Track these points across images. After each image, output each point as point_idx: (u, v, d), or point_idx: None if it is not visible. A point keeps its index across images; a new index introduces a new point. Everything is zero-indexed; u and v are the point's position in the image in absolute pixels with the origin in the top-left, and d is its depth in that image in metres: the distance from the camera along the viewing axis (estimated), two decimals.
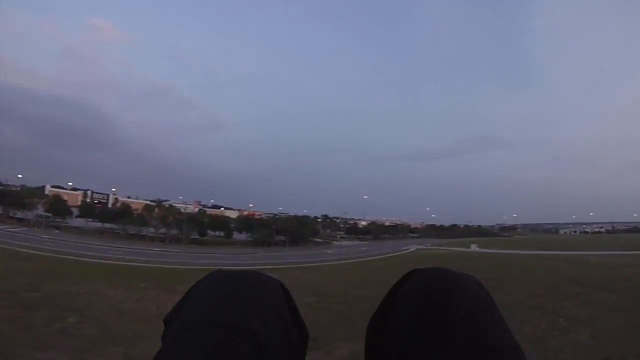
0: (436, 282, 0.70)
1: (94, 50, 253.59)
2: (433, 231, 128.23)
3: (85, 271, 26.43)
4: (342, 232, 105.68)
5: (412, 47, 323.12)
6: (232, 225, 73.35)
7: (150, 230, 63.32)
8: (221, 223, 69.68)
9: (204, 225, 65.18)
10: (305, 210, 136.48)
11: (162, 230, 61.82)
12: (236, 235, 71.65)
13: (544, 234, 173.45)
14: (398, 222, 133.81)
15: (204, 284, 0.69)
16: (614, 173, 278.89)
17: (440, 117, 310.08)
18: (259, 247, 61.21)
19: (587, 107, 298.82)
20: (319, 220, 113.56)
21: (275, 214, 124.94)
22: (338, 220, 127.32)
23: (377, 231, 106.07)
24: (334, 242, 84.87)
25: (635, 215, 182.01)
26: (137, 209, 71.89)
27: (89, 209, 73.53)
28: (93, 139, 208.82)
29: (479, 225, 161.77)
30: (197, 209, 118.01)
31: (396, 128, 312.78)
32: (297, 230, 69.95)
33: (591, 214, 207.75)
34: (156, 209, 63.25)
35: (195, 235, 63.22)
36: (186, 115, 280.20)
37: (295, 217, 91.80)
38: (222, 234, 71.08)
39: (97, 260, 32.83)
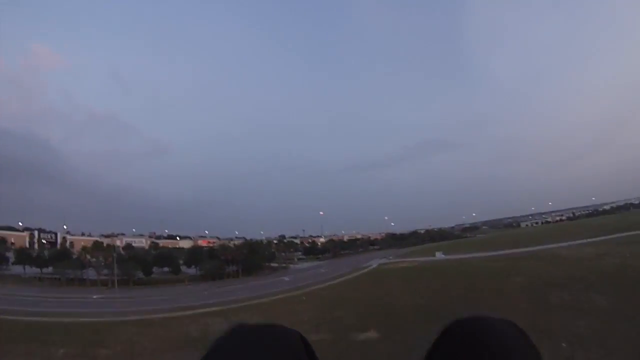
0: (474, 332, 0.73)
1: (34, 78, 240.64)
2: (394, 241, 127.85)
3: (4, 336, 24.30)
4: (299, 253, 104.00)
5: (353, 58, 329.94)
6: (180, 259, 70.01)
7: (91, 273, 59.16)
8: (168, 258, 66.35)
9: (149, 263, 61.97)
10: (262, 232, 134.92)
11: (105, 271, 58.28)
12: (187, 269, 68.24)
13: (505, 229, 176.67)
14: (357, 236, 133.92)
15: (225, 339, 0.74)
16: (567, 162, 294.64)
17: (386, 125, 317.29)
18: (209, 281, 58.75)
19: (528, 102, 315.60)
20: (275, 242, 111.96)
21: (232, 239, 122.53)
22: (296, 240, 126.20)
23: (335, 248, 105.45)
24: (291, 265, 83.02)
25: (593, 199, 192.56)
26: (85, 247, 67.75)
27: (24, 255, 68.30)
28: (42, 173, 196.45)
29: (439, 229, 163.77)
30: (149, 242, 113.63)
31: (344, 141, 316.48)
32: (249, 258, 67.93)
33: (550, 203, 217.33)
34: (94, 249, 59.24)
35: (140, 275, 59.70)
36: (132, 141, 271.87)
37: (248, 243, 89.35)
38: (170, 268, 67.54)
39: (24, 318, 30.30)
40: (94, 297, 44.80)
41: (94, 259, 57.55)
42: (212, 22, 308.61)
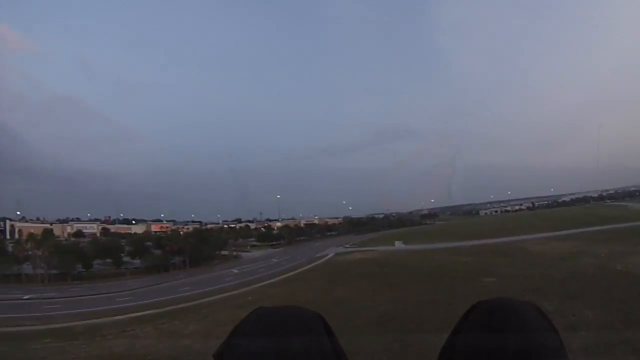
0: (496, 312, 0.79)
1: None
2: (351, 227, 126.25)
3: None
4: (253, 239, 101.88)
5: (319, 43, 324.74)
6: (126, 247, 66.81)
7: (29, 268, 55.59)
8: (110, 250, 62.91)
9: (88, 256, 58.94)
10: (219, 215, 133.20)
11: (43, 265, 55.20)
12: (133, 259, 64.62)
13: (464, 216, 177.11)
14: (315, 221, 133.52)
15: (248, 323, 0.79)
16: (526, 152, 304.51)
17: (347, 112, 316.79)
18: (154, 274, 56.97)
19: (493, 96, 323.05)
20: (228, 226, 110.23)
21: (187, 222, 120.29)
22: (252, 224, 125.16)
23: (291, 235, 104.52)
24: (244, 252, 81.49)
25: (552, 190, 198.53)
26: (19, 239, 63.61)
27: None
28: None
29: (397, 213, 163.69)
30: (100, 228, 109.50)
31: (307, 125, 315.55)
32: (198, 247, 66.46)
33: (509, 192, 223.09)
34: (29, 242, 55.53)
35: (80, 268, 56.69)
36: (95, 126, 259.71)
37: (197, 230, 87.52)
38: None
39: None
40: (25, 297, 42.44)
41: (29, 252, 54.46)
42: (178, 9, 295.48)
